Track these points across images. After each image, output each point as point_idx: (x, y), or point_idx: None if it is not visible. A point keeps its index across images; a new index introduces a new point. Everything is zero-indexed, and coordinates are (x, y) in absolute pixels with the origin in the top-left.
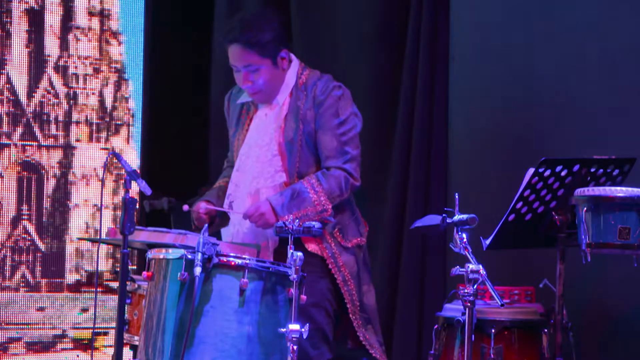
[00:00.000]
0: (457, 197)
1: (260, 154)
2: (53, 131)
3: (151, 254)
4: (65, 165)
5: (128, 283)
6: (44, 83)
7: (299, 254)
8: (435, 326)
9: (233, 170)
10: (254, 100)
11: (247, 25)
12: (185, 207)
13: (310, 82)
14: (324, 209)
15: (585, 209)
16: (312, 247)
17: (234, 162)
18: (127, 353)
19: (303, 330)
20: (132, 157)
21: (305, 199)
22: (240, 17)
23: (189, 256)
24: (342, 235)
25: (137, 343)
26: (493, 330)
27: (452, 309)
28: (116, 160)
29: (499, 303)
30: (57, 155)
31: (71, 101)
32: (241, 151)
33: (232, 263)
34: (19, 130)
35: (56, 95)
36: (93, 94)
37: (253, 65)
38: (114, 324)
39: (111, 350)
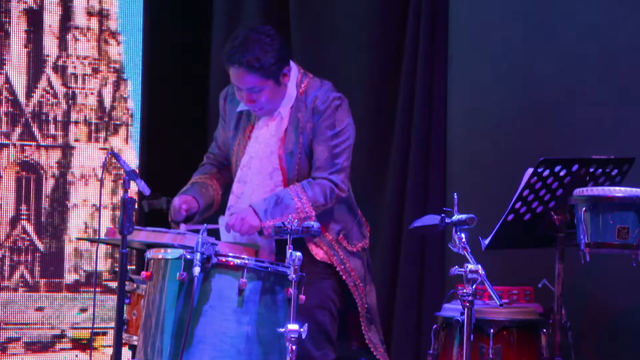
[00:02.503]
0: (455, 197)
1: (261, 166)
2: (52, 131)
3: (150, 253)
4: (64, 165)
5: (127, 283)
6: (42, 83)
7: (298, 253)
8: (434, 326)
9: (234, 181)
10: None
11: (249, 47)
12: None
13: (310, 92)
14: (307, 216)
15: (584, 208)
16: (320, 255)
17: (216, 159)
18: (126, 353)
19: (302, 330)
20: (131, 157)
21: (289, 206)
22: (243, 37)
23: (188, 256)
24: (348, 240)
25: (135, 343)
26: (492, 330)
27: (451, 309)
28: (115, 160)
29: (498, 303)
30: (55, 155)
31: (70, 101)
32: (242, 162)
33: (231, 263)
34: (18, 130)
35: (55, 95)
36: (92, 93)
37: (256, 87)
38: (112, 324)
39: (110, 350)
